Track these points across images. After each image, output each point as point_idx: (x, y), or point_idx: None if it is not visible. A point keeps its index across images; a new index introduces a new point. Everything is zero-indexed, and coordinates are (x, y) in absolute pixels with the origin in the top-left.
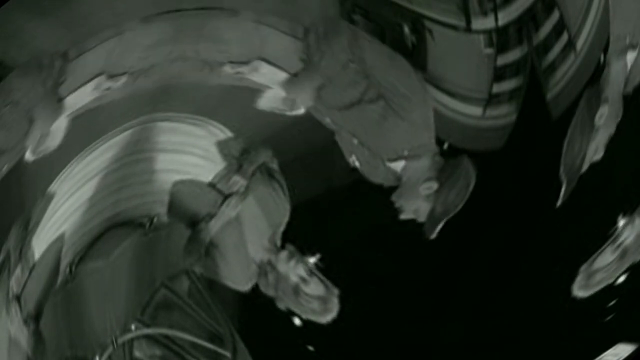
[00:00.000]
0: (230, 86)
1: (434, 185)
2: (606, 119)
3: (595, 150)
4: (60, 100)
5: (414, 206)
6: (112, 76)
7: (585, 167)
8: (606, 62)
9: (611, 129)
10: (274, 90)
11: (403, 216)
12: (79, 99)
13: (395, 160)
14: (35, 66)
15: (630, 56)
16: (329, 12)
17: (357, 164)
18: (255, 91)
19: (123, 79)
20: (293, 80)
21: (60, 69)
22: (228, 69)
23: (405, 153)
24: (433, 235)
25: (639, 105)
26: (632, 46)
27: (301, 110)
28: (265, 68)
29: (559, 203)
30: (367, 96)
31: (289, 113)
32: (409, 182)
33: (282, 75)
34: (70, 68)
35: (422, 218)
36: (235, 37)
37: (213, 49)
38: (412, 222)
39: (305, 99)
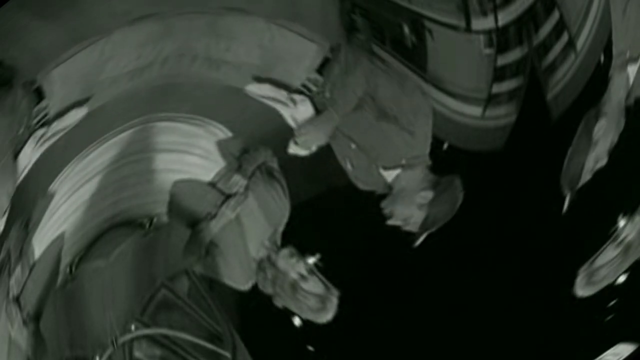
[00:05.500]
0: (230, 86)
1: (430, 195)
2: (605, 131)
3: (594, 160)
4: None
5: (406, 214)
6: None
7: (585, 172)
8: (608, 78)
9: (611, 139)
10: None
11: (390, 222)
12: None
13: (391, 168)
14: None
15: (632, 69)
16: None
17: (350, 168)
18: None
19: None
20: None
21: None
22: (231, 69)
23: (403, 162)
24: (417, 243)
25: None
26: (633, 59)
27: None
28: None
29: (558, 203)
30: (371, 109)
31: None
32: (402, 191)
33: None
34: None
35: (408, 226)
36: (243, 37)
37: (217, 48)
38: (398, 228)
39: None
